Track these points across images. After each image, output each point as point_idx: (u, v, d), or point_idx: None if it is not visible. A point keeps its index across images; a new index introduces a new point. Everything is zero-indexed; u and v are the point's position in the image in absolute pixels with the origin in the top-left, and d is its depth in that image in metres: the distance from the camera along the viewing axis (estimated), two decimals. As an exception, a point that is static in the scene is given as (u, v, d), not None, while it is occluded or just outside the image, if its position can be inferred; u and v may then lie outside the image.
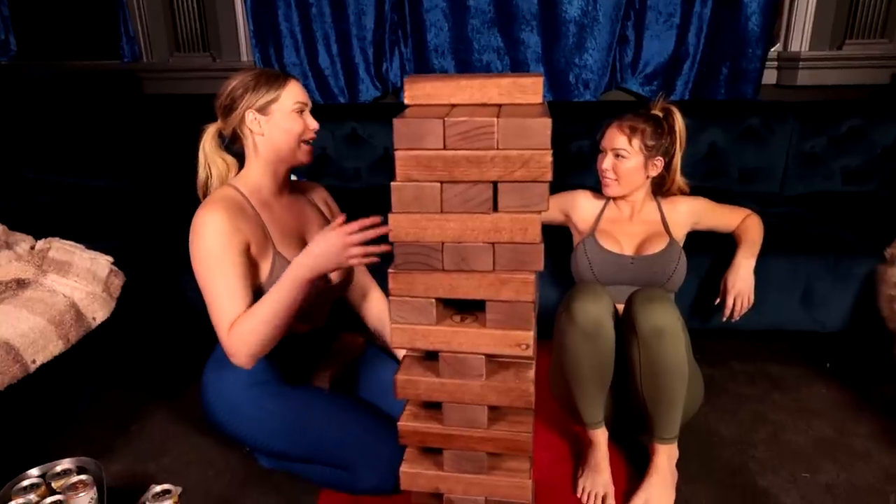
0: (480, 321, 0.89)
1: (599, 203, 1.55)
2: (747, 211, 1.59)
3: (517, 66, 2.33)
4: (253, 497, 1.33)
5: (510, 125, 0.79)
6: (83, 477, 1.19)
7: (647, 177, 1.49)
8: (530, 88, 0.83)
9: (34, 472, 1.23)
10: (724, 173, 2.19)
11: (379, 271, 1.16)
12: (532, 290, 0.85)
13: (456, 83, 0.84)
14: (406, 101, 0.85)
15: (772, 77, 2.35)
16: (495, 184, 0.82)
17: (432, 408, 0.96)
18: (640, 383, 1.27)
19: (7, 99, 2.27)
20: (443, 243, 0.85)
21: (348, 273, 1.38)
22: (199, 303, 1.21)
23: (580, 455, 1.40)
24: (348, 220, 1.52)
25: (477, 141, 0.80)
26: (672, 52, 2.29)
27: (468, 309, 0.91)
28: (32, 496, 1.16)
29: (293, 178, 1.41)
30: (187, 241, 1.19)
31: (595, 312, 1.23)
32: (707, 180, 2.15)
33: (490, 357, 0.90)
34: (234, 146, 1.30)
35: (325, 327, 1.41)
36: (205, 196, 1.29)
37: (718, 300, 1.52)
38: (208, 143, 1.28)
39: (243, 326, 1.15)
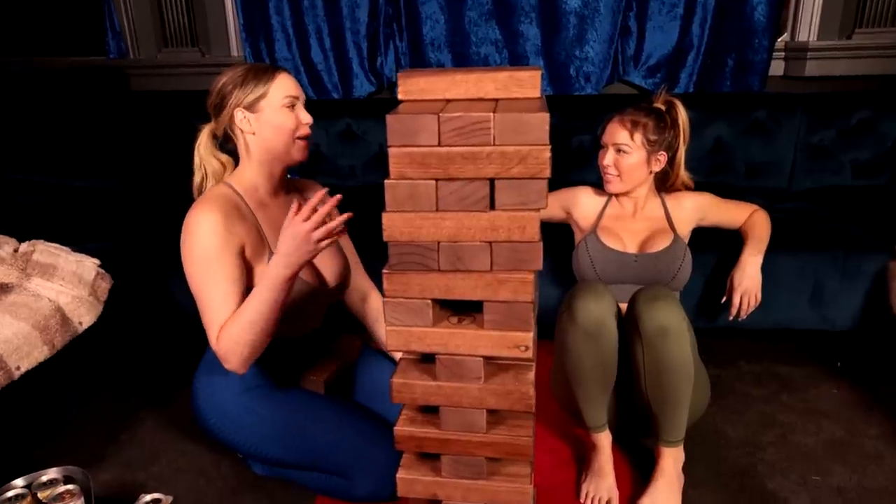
0: (478, 322, 0.87)
1: (601, 200, 1.53)
2: (754, 206, 1.57)
3: (516, 60, 2.31)
4: (246, 505, 1.31)
5: (507, 120, 0.77)
6: (70, 487, 1.17)
7: (650, 172, 1.47)
8: (528, 82, 0.81)
9: (19, 482, 1.20)
10: (729, 168, 2.17)
11: (375, 272, 1.14)
12: (531, 290, 0.84)
13: (451, 77, 0.82)
14: (399, 97, 0.83)
15: (779, 68, 2.32)
16: (492, 181, 0.80)
17: (430, 412, 0.95)
18: (645, 384, 1.25)
19: (-11, 97, 2.25)
20: (438, 243, 0.83)
21: (344, 276, 1.35)
22: (188, 306, 1.19)
23: (583, 459, 1.38)
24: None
25: (473, 137, 0.78)
26: (676, 44, 2.26)
27: (465, 310, 0.89)
28: (17, 507, 1.14)
29: (288, 175, 1.37)
30: (177, 243, 1.16)
31: (597, 312, 1.21)
32: (712, 175, 2.12)
33: (488, 359, 0.89)
34: (228, 145, 1.27)
35: (322, 330, 1.38)
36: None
37: (725, 298, 1.51)
38: (203, 145, 1.25)
39: (231, 330, 1.13)
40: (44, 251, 1.49)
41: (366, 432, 1.23)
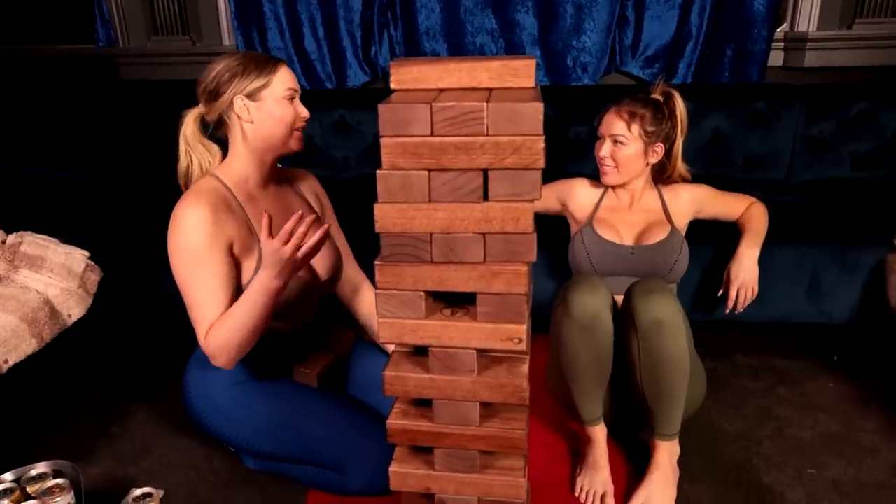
0: (471, 315, 0.86)
1: (598, 191, 1.52)
2: (752, 198, 1.56)
3: (512, 49, 2.29)
4: (238, 499, 1.30)
5: (500, 110, 0.76)
6: (59, 481, 1.16)
7: (647, 164, 1.46)
8: (522, 71, 0.80)
9: (8, 476, 1.20)
10: (728, 160, 2.16)
11: (369, 264, 1.14)
12: (525, 282, 0.83)
13: (444, 66, 0.81)
14: (392, 86, 0.82)
15: (778, 59, 2.31)
16: (485, 171, 0.79)
17: (422, 405, 0.94)
18: (640, 378, 1.24)
19: (-26, 87, 2.22)
20: (431, 234, 0.82)
21: (336, 269, 1.34)
22: (179, 299, 1.17)
23: (578, 453, 1.38)
24: (337, 212, 1.47)
25: (466, 127, 0.77)
26: (674, 34, 2.24)
27: (458, 302, 0.89)
28: (6, 502, 1.13)
29: (279, 165, 1.36)
30: (167, 235, 1.14)
31: (592, 305, 1.21)
32: (710, 167, 2.11)
33: (482, 352, 0.89)
34: (217, 132, 1.24)
35: (314, 322, 1.37)
36: (187, 186, 1.23)
37: (721, 291, 1.50)
38: (189, 130, 1.22)
39: (220, 331, 1.12)
40: (32, 243, 1.47)
41: (359, 426, 1.23)
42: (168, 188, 1.26)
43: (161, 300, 1.71)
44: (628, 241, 1.44)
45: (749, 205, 1.54)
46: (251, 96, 1.18)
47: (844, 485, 1.30)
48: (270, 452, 1.26)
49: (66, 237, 1.54)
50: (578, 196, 1.53)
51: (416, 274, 0.84)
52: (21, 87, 2.27)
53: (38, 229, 1.53)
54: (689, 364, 1.22)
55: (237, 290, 1.16)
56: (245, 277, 1.18)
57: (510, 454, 0.96)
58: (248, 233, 1.19)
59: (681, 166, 1.49)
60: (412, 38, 2.29)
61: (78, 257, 1.49)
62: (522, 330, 0.84)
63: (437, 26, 2.27)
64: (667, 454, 1.26)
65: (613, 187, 1.49)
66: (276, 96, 1.18)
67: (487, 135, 0.76)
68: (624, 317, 1.26)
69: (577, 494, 1.28)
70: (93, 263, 1.52)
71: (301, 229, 1.05)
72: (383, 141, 0.78)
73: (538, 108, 0.75)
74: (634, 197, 1.49)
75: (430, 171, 0.79)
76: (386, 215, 0.81)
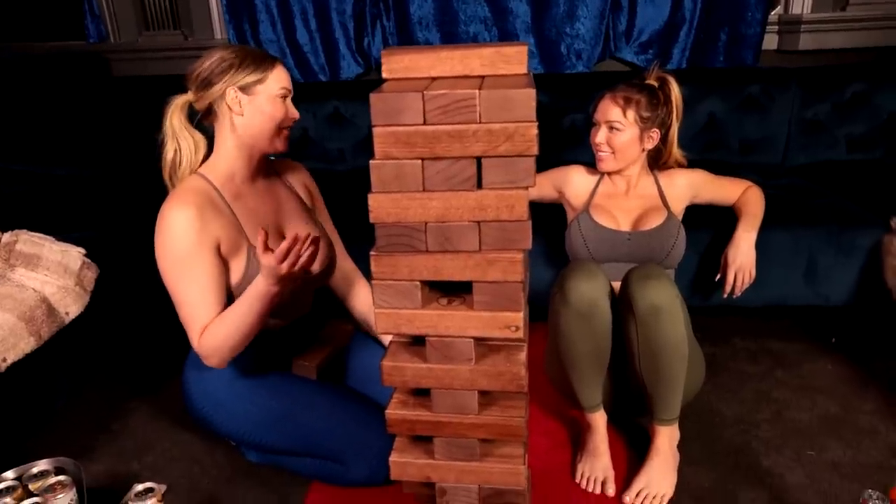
0: (468, 303, 0.86)
1: (594, 178, 1.52)
2: (748, 183, 1.56)
3: (506, 37, 2.27)
4: (240, 493, 1.30)
5: (493, 97, 0.75)
6: (61, 478, 1.16)
7: (643, 150, 1.46)
8: (514, 58, 0.80)
9: (9, 474, 1.19)
10: (723, 144, 2.15)
11: (364, 256, 1.14)
12: (520, 270, 0.83)
13: (436, 55, 0.80)
14: (384, 75, 0.82)
15: (772, 42, 2.29)
16: (479, 159, 0.79)
17: (421, 395, 0.94)
18: (639, 364, 1.24)
19: (-36, 85, 2.19)
20: (426, 223, 0.82)
21: (330, 262, 1.34)
22: (174, 296, 1.16)
23: (578, 440, 1.38)
24: (333, 205, 1.46)
25: (458, 114, 0.76)
26: (668, 19, 2.22)
27: (454, 291, 0.89)
28: (8, 499, 1.13)
29: (270, 157, 1.35)
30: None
31: (589, 292, 1.21)
32: (706, 152, 2.10)
33: (479, 340, 0.88)
34: (204, 121, 1.23)
35: (310, 316, 1.37)
36: (171, 178, 1.22)
37: (719, 276, 1.50)
38: (176, 117, 1.20)
39: (214, 333, 1.12)
40: (27, 241, 1.46)
41: (359, 417, 1.23)
42: (161, 185, 1.25)
43: (158, 296, 1.69)
44: (625, 227, 1.44)
45: (745, 189, 1.54)
46: (245, 89, 1.17)
47: (843, 466, 1.31)
48: (272, 445, 1.26)
49: (62, 235, 1.53)
50: (574, 183, 1.52)
51: (412, 264, 0.84)
52: (12, 84, 2.24)
53: (33, 227, 1.52)
54: (688, 349, 1.22)
55: (226, 290, 1.16)
56: (233, 277, 1.18)
57: (510, 442, 0.96)
58: (235, 232, 1.18)
59: (676, 152, 1.49)
60: (405, 28, 2.27)
61: (74, 255, 1.48)
62: (519, 318, 0.84)
63: (430, 16, 2.25)
64: (667, 439, 1.27)
65: (609, 174, 1.49)
66: (269, 93, 1.18)
67: (480, 122, 0.76)
68: (622, 303, 1.26)
69: (577, 481, 1.28)
70: (89, 260, 1.51)
71: (297, 247, 1.04)
72: (376, 130, 0.78)
73: (530, 94, 0.74)
74: (630, 183, 1.48)
75: (423, 160, 0.78)
76: (380, 205, 0.81)
